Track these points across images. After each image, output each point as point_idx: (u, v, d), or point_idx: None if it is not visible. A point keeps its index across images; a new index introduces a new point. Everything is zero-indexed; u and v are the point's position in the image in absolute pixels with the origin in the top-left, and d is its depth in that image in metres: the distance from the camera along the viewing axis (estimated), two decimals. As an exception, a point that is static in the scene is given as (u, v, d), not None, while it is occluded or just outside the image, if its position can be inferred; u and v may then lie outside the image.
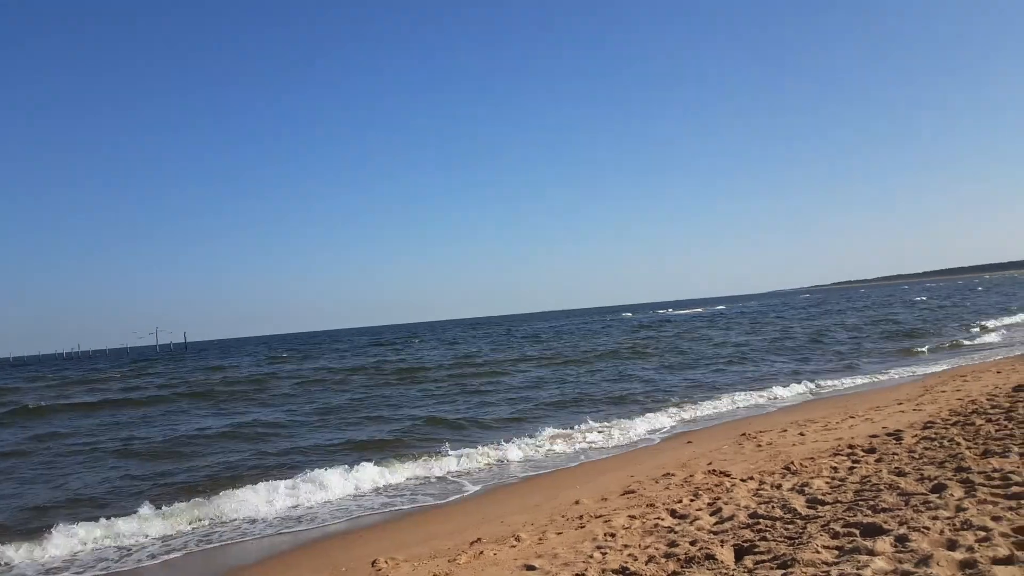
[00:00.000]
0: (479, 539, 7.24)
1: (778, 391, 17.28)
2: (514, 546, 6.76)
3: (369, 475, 10.92)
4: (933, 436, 8.67)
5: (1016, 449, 6.96)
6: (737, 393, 17.38)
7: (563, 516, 7.81)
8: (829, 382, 18.53)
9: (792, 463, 8.57)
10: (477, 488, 10.28)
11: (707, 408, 15.84)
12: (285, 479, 10.61)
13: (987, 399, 10.93)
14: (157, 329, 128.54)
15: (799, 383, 18.16)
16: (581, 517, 7.55)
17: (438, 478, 11.11)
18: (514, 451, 12.27)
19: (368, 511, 9.51)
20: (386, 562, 6.81)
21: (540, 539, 6.87)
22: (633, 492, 8.55)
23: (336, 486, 10.44)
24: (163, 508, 9.57)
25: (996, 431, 8.17)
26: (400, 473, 11.22)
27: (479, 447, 12.62)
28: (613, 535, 6.50)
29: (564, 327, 78.96)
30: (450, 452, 12.23)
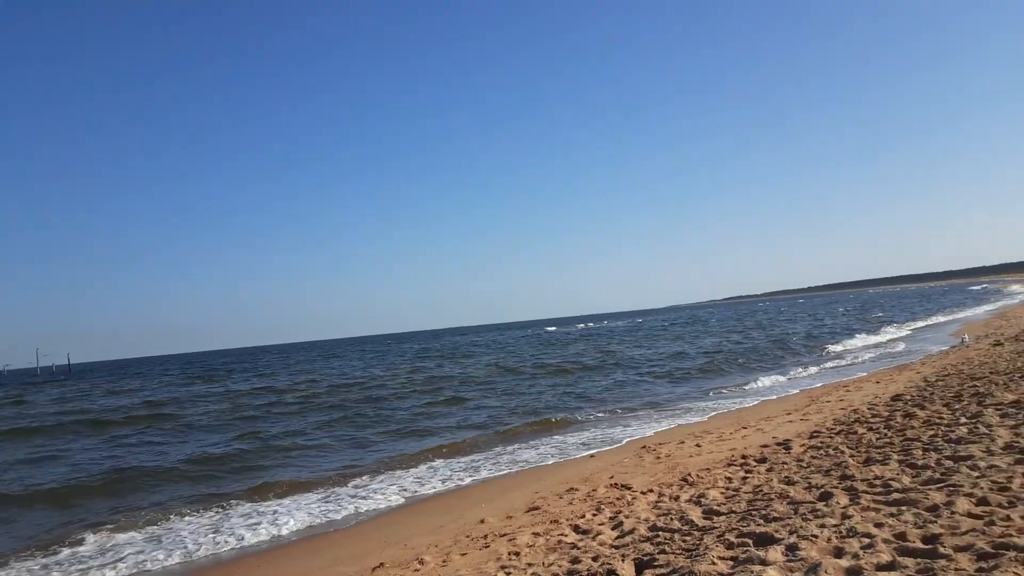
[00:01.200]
0: (382, 564, 7.09)
1: (681, 404, 17.79)
2: (417, 570, 6.65)
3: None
4: (819, 445, 9.10)
5: (895, 457, 7.39)
6: (641, 409, 17.78)
7: (468, 536, 7.74)
8: (725, 393, 19.24)
9: (689, 474, 8.81)
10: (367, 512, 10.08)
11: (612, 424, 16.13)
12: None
13: (868, 408, 11.59)
14: (38, 351, 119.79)
15: (699, 397, 18.73)
16: (486, 536, 7.50)
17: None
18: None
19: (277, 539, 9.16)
20: (284, 592, 6.57)
21: (444, 561, 6.78)
22: (538, 508, 8.58)
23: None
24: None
25: (877, 439, 8.66)
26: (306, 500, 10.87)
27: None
28: (517, 553, 6.48)
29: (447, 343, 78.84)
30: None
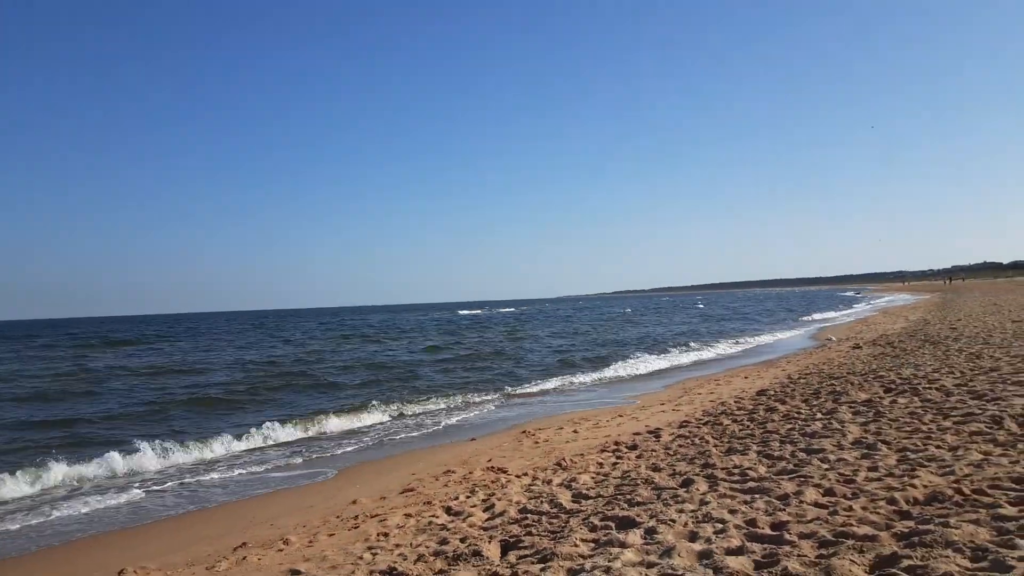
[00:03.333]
0: (244, 543, 6.85)
1: (568, 391, 18.14)
2: (281, 550, 6.47)
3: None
4: (687, 435, 9.48)
5: (755, 447, 7.79)
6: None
7: (338, 517, 7.60)
8: (606, 382, 19.76)
9: (564, 459, 8.99)
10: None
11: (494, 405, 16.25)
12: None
13: (735, 402, 12.17)
14: None
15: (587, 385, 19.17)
16: (356, 517, 7.39)
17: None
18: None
19: (118, 512, 8.66)
20: (135, 572, 6.23)
21: (310, 542, 6.63)
22: (413, 490, 8.52)
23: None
24: None
25: (740, 431, 9.11)
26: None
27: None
28: (386, 535, 6.42)
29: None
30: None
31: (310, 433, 13.51)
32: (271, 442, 12.72)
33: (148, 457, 11.14)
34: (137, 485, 9.93)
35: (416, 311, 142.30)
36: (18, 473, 10.05)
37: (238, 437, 12.73)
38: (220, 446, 12.13)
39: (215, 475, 10.43)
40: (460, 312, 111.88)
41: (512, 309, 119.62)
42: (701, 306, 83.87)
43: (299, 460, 11.33)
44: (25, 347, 46.41)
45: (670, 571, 4.07)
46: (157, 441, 11.84)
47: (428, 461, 10.46)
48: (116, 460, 10.81)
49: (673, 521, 5.14)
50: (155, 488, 9.81)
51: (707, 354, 27.09)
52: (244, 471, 10.65)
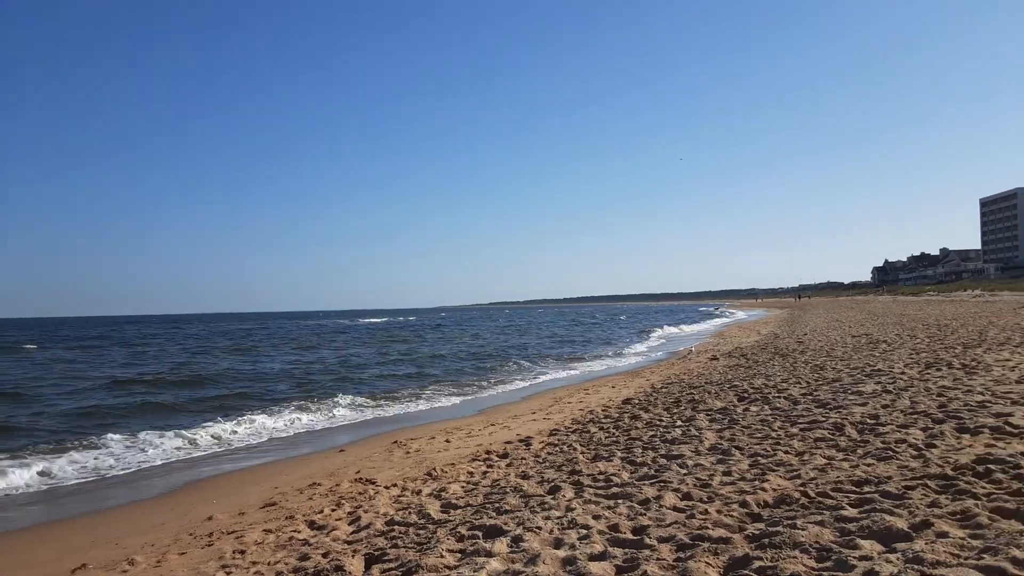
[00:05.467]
0: (84, 565, 6.34)
1: (439, 401, 18.01)
2: (126, 571, 6.03)
3: None
4: (556, 443, 9.63)
5: (619, 454, 8.01)
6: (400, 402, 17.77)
7: (191, 534, 7.16)
8: (484, 392, 19.81)
9: (434, 469, 8.90)
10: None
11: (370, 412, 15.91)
12: None
13: (602, 410, 12.51)
14: None
15: (456, 394, 19.10)
16: (211, 534, 6.99)
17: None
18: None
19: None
20: (-49, 602, 5.60)
21: (159, 561, 6.21)
22: (275, 504, 8.17)
23: None
24: None
25: (606, 438, 9.35)
26: None
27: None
28: (243, 552, 6.10)
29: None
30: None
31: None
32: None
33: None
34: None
35: (294, 319, 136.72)
36: None
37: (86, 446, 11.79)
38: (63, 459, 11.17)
39: (49, 486, 9.58)
40: (362, 320, 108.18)
41: (388, 319, 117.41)
42: (585, 320, 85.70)
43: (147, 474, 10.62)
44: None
45: (534, 579, 4.09)
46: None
47: (293, 474, 10.07)
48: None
49: (539, 528, 5.18)
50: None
51: (578, 367, 27.74)
52: (80, 481, 9.86)
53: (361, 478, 9.10)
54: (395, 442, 11.95)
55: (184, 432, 13.18)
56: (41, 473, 10.36)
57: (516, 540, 4.96)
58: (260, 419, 14.92)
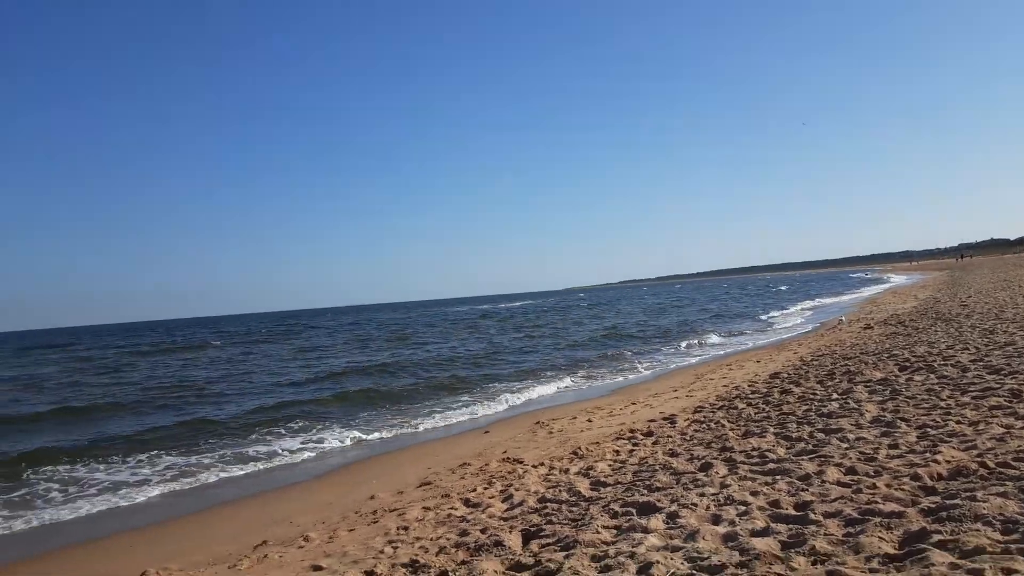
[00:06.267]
0: (265, 541, 6.84)
1: (569, 382, 18.12)
2: (302, 546, 6.45)
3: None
4: (702, 419, 9.44)
5: (772, 430, 7.75)
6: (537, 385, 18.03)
7: (356, 512, 7.59)
8: (618, 373, 19.73)
9: (579, 448, 8.96)
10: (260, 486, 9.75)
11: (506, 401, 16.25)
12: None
13: (748, 385, 12.12)
14: None
15: (587, 375, 19.14)
16: (375, 512, 7.37)
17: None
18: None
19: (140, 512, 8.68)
20: (157, 573, 6.22)
21: (331, 537, 6.61)
22: (430, 483, 8.51)
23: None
24: None
25: (755, 414, 9.06)
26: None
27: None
28: (406, 528, 6.40)
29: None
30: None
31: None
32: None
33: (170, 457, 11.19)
34: (153, 483, 9.95)
35: (435, 307, 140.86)
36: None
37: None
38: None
39: (227, 473, 10.44)
40: (500, 305, 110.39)
41: (530, 302, 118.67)
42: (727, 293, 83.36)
43: (311, 456, 11.35)
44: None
45: (696, 554, 4.04)
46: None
47: (444, 454, 10.45)
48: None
49: (695, 505, 5.11)
50: (171, 486, 9.82)
51: (717, 340, 27.02)
52: (259, 467, 10.68)
53: (508, 458, 9.31)
54: (537, 423, 12.12)
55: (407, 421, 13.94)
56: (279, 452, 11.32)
57: (672, 517, 4.91)
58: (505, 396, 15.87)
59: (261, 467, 10.81)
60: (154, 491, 9.66)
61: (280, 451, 11.75)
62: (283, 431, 13.40)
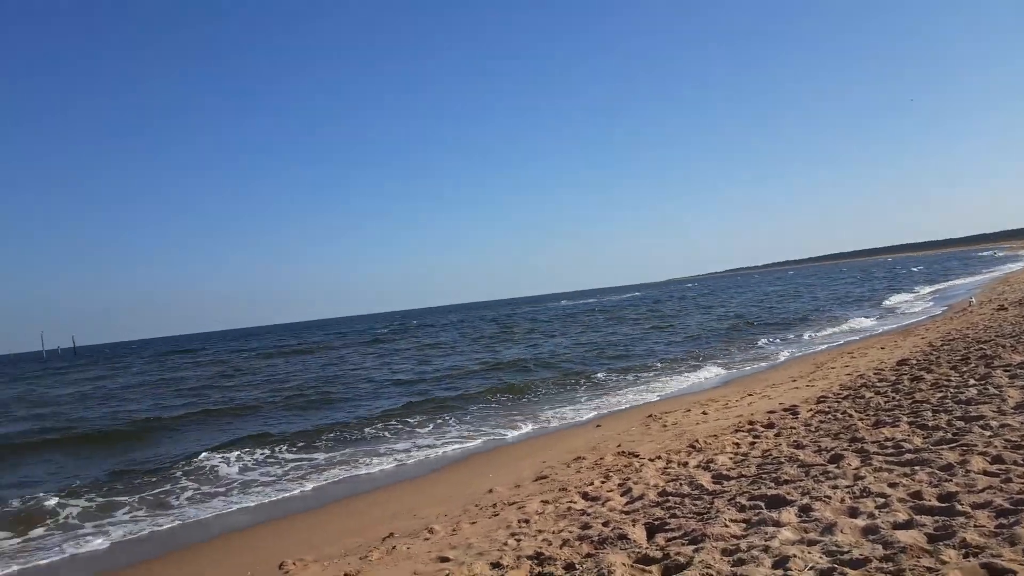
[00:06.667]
0: (392, 534, 7.07)
1: (688, 376, 17.81)
2: (428, 539, 6.62)
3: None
4: (827, 410, 9.05)
5: (905, 419, 7.34)
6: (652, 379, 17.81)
7: (477, 505, 7.72)
8: (731, 364, 19.22)
9: (697, 441, 8.79)
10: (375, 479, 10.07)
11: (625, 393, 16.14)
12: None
13: (874, 373, 11.54)
14: (43, 334, 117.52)
15: (705, 367, 18.75)
16: (495, 505, 7.48)
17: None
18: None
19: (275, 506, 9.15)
20: (294, 563, 6.54)
21: (454, 530, 6.76)
22: (546, 477, 8.55)
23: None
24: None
25: (885, 403, 8.61)
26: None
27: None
28: (527, 521, 6.46)
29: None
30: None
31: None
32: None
33: (297, 454, 11.75)
34: (283, 480, 10.46)
35: (539, 303, 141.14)
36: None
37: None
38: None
39: (353, 469, 10.84)
40: (607, 298, 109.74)
41: (636, 294, 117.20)
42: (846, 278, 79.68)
43: (429, 451, 11.63)
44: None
45: (835, 548, 3.88)
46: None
47: (557, 448, 10.49)
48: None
49: (828, 498, 4.91)
50: (301, 483, 10.29)
51: (838, 328, 25.87)
52: (382, 462, 11.04)
53: (623, 451, 9.23)
54: (650, 416, 11.98)
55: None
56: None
57: (804, 510, 4.74)
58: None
59: (384, 462, 11.14)
60: (285, 488, 10.13)
61: (401, 447, 12.12)
62: (404, 427, 13.80)
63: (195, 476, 11.08)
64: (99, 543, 8.25)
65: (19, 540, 8.56)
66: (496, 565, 5.14)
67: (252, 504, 9.48)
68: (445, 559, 5.74)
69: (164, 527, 8.79)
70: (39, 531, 8.84)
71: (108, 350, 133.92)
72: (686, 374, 17.84)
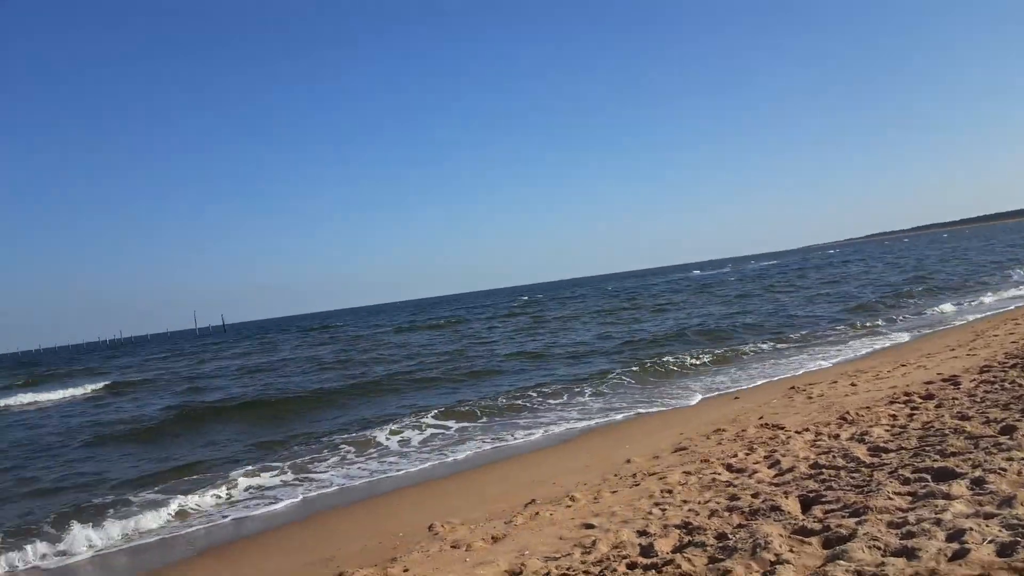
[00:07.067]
0: (533, 500, 7.20)
1: (834, 346, 17.04)
2: (569, 506, 6.70)
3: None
4: (993, 379, 8.40)
5: (1086, 388, 6.70)
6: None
7: (616, 475, 7.73)
8: (881, 330, 18.18)
9: (848, 413, 8.38)
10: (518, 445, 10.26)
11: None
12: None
13: (1046, 340, 10.58)
14: (195, 313, 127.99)
15: (853, 336, 17.85)
16: (635, 475, 7.46)
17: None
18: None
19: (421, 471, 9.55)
20: (443, 526, 6.80)
21: (595, 498, 6.80)
22: (685, 449, 8.44)
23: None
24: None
25: (1061, 371, 7.88)
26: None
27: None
28: (670, 491, 6.40)
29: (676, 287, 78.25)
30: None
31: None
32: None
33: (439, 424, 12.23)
34: (430, 451, 10.89)
35: (674, 272, 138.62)
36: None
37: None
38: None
39: (496, 439, 11.12)
40: (750, 265, 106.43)
41: (773, 262, 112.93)
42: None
43: (567, 421, 11.74)
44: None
45: (1016, 522, 3.60)
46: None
47: (694, 420, 10.32)
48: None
49: (1003, 470, 4.56)
50: (446, 452, 10.67)
51: (1003, 295, 23.88)
52: (520, 433, 11.27)
53: (766, 424, 8.95)
54: (792, 387, 11.54)
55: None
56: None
57: (977, 482, 4.43)
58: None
59: (523, 433, 11.36)
60: (432, 456, 10.51)
61: (540, 419, 12.32)
62: (541, 399, 14.00)
63: (354, 444, 11.62)
64: (266, 506, 8.92)
65: (218, 499, 9.30)
66: (643, 533, 5.13)
67: (402, 471, 9.91)
68: (590, 526, 5.79)
69: (325, 491, 9.34)
70: (221, 490, 9.57)
71: (254, 327, 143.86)
72: (832, 344, 17.03)
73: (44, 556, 7.72)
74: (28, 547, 7.78)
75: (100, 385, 28.38)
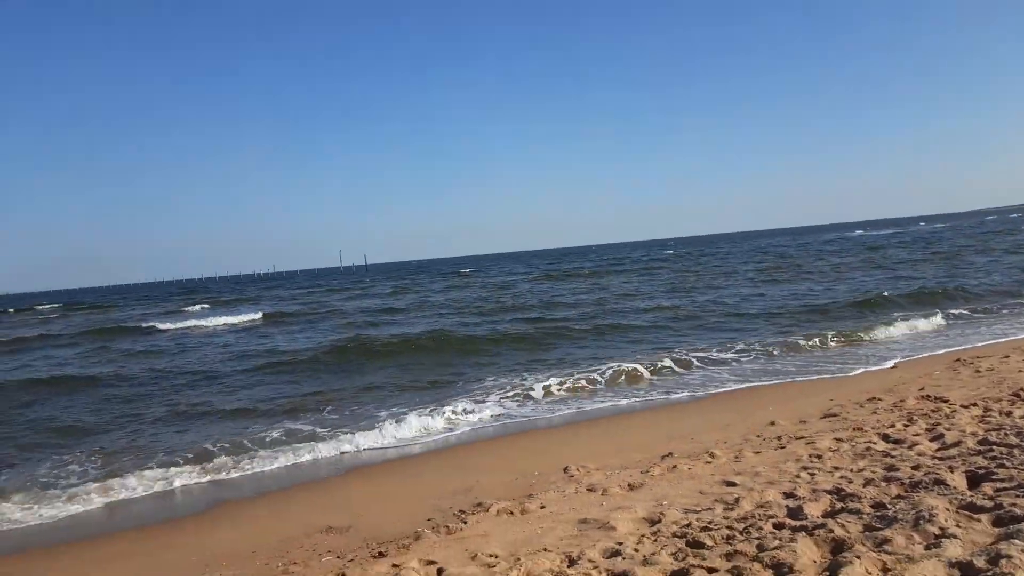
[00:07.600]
0: (671, 453, 7.16)
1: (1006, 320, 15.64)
2: (709, 462, 6.60)
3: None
4: None
5: None
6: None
7: (758, 436, 7.53)
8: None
9: (1022, 390, 7.70)
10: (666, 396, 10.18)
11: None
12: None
13: None
14: (340, 251, 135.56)
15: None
16: (780, 438, 7.24)
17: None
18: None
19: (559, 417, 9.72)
20: (578, 469, 6.91)
21: (736, 457, 6.66)
22: (835, 416, 8.07)
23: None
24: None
25: None
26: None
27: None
28: (819, 457, 6.16)
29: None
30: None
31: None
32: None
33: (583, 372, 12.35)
34: (569, 400, 11.04)
35: (833, 232, 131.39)
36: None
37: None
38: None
39: (631, 393, 11.10)
40: (919, 226, 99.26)
41: (940, 225, 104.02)
42: None
43: (708, 380, 11.51)
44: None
45: None
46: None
47: (847, 387, 9.83)
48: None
49: None
50: (576, 401, 10.78)
51: None
52: (657, 387, 11.18)
53: (928, 395, 8.39)
54: (958, 360, 10.73)
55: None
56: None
57: None
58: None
59: (660, 389, 11.27)
60: (573, 405, 10.59)
61: (683, 376, 12.15)
62: (686, 355, 13.73)
63: (503, 389, 11.85)
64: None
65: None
66: (790, 495, 4.99)
67: (543, 416, 10.11)
68: (731, 483, 5.70)
69: (470, 429, 9.70)
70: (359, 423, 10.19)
71: (393, 268, 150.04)
72: (1006, 318, 15.60)
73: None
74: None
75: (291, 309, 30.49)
